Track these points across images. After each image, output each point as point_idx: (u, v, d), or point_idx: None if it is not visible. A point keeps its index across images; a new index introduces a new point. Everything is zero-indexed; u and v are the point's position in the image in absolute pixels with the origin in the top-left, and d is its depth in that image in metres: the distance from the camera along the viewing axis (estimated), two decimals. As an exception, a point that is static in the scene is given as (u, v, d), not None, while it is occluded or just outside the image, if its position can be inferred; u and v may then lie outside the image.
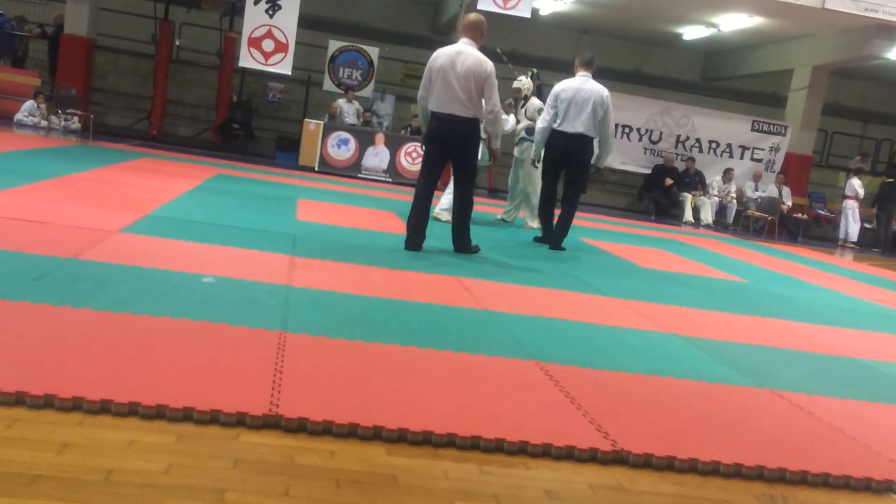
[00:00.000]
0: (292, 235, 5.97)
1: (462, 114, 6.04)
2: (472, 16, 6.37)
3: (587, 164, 7.61)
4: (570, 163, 7.58)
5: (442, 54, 6.15)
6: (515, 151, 9.28)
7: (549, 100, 7.59)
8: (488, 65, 6.07)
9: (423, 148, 6.33)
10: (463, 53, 6.08)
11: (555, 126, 7.50)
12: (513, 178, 9.39)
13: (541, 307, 4.68)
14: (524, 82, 9.16)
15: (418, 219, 6.14)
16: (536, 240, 7.83)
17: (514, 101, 9.20)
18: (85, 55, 14.46)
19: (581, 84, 7.50)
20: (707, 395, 3.35)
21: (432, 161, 6.24)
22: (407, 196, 9.30)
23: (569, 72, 7.41)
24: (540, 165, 7.98)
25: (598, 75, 7.84)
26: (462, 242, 6.33)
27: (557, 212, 7.71)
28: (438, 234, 7.25)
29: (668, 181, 15.01)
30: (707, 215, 14.81)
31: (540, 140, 7.72)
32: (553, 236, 7.60)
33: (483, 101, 6.11)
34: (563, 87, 7.53)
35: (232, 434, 2.33)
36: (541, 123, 7.68)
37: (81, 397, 2.33)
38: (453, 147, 6.16)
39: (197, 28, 16.17)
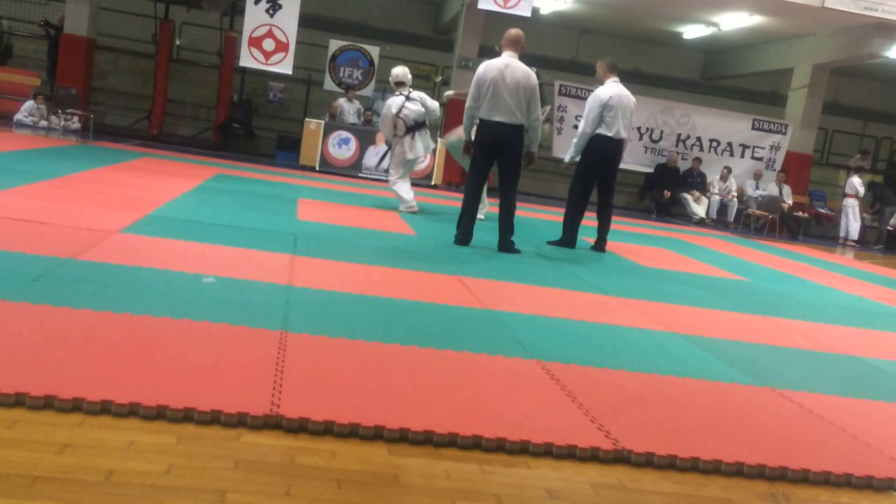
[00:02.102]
0: (293, 235, 5.97)
1: (511, 121, 6.56)
2: (514, 31, 6.79)
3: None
4: (614, 168, 7.86)
5: (492, 67, 6.58)
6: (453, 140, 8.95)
7: (596, 106, 7.53)
8: (534, 77, 6.65)
9: (471, 153, 6.86)
10: (511, 66, 6.56)
11: (603, 132, 7.57)
12: None
13: (542, 306, 4.67)
14: None
15: (469, 217, 6.73)
16: (552, 243, 7.71)
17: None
18: (85, 55, 14.45)
19: (620, 90, 7.68)
20: (708, 394, 3.34)
21: (483, 165, 6.81)
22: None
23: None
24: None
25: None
26: (508, 243, 6.70)
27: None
28: (440, 233, 7.25)
29: (667, 193, 14.99)
30: (700, 211, 14.90)
31: (582, 145, 7.68)
32: (601, 240, 7.85)
33: (529, 109, 6.60)
34: (610, 93, 7.58)
35: (233, 434, 2.32)
36: (586, 129, 7.60)
37: (82, 398, 2.33)
38: (502, 152, 6.66)
39: (197, 27, 16.16)
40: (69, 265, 3.98)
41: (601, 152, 7.64)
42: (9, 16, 16.05)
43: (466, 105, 6.80)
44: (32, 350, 2.67)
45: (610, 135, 7.56)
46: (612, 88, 7.62)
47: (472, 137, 6.90)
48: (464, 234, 6.74)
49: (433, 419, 2.55)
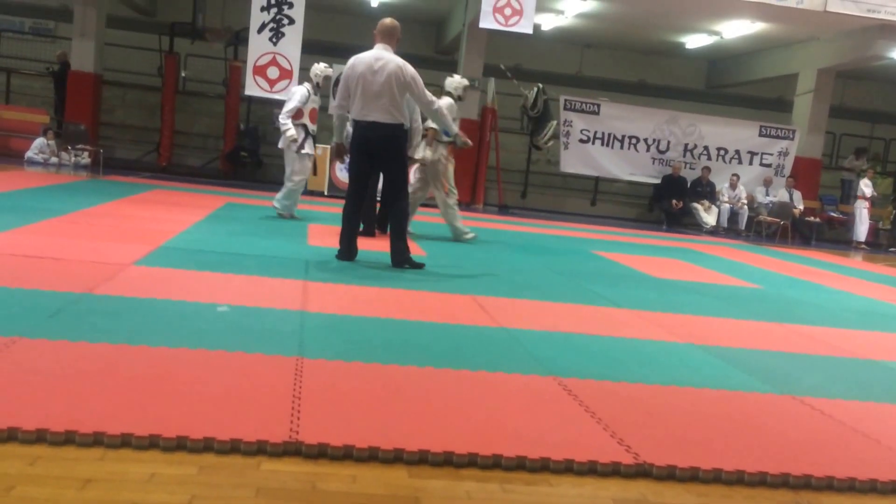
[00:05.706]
0: (304, 261, 5.98)
1: (385, 120, 5.99)
2: (388, 20, 6.23)
3: None
4: None
5: (360, 62, 6.03)
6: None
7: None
8: (409, 68, 6.07)
9: (345, 158, 6.39)
10: (382, 59, 6.01)
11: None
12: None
13: (556, 322, 4.66)
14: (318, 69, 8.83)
15: (350, 230, 6.18)
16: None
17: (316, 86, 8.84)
18: (92, 90, 14.60)
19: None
20: (728, 404, 3.32)
21: (360, 171, 6.22)
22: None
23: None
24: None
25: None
26: (401, 257, 6.09)
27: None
28: (452, 253, 7.25)
29: (677, 204, 14.97)
30: (711, 220, 14.89)
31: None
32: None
33: (419, 101, 6.23)
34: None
35: (253, 462, 2.32)
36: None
37: (102, 432, 2.34)
38: (378, 154, 6.11)
39: (202, 59, 16.31)
40: (85, 300, 4.00)
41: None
42: (14, 55, 16.24)
43: (332, 106, 6.29)
44: (51, 386, 2.68)
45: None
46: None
47: (343, 140, 6.41)
48: (345, 248, 6.15)
49: (452, 440, 2.55)
